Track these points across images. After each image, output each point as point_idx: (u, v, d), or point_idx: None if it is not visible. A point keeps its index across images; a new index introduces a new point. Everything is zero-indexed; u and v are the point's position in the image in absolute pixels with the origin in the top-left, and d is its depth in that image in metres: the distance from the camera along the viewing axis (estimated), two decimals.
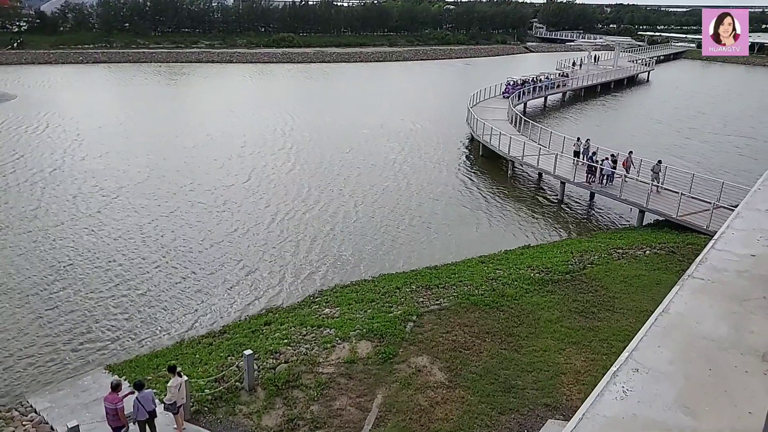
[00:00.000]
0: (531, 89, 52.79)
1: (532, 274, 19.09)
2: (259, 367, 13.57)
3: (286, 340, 15.03)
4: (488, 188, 32.00)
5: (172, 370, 11.33)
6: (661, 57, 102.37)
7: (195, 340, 16.41)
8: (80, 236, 23.87)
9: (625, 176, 27.32)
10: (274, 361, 13.93)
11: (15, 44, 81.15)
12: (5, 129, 41.87)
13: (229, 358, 14.37)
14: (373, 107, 54.19)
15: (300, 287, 20.14)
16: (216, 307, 18.76)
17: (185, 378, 11.62)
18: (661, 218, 25.51)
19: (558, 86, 58.47)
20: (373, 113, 50.98)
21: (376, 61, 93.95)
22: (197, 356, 14.96)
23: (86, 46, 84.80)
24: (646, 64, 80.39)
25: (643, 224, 26.04)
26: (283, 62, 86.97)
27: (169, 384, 11.22)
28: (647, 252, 21.23)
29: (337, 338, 14.84)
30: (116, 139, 39.78)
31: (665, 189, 26.79)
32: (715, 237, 7.90)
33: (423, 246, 24.09)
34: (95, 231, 24.43)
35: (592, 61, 74.78)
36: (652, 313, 6.74)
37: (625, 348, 6.42)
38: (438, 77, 79.74)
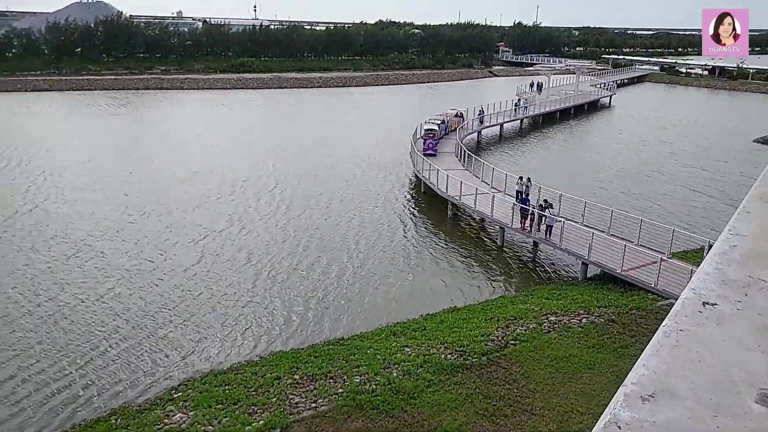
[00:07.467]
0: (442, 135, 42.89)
1: (442, 357, 15.84)
2: None
3: None
4: (424, 233, 28.85)
5: None
6: (625, 80, 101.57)
7: None
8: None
9: (566, 220, 24.42)
10: None
11: None
12: None
13: None
14: (317, 143, 51.10)
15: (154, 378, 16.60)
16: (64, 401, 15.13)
17: None
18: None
19: (454, 130, 44.88)
20: (314, 149, 47.87)
21: (337, 86, 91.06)
22: None
23: (33, 72, 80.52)
24: (608, 88, 78.80)
25: (588, 277, 23.11)
26: (238, 88, 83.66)
27: None
28: (583, 320, 18.15)
29: None
30: (77, 179, 35.86)
31: (613, 237, 23.92)
32: None
33: (332, 311, 20.73)
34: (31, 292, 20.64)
35: (535, 89, 72.54)
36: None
37: None
38: (400, 104, 77.09)
